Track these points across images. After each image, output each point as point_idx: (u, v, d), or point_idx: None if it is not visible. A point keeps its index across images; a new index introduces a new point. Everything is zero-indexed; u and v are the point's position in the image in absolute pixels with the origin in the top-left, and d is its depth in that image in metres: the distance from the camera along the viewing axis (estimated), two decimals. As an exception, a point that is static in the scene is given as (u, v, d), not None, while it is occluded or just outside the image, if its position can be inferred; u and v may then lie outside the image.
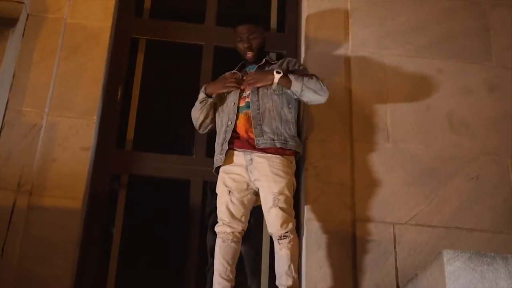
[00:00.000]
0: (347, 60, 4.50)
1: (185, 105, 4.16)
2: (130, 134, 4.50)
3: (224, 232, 3.61)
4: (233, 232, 3.61)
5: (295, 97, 3.82)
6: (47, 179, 3.93)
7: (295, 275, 3.54)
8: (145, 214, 4.38)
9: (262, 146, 3.69)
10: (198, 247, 4.17)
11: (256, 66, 3.98)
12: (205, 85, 3.94)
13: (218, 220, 3.66)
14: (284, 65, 3.98)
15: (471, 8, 4.78)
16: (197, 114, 3.92)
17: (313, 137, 4.24)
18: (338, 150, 4.21)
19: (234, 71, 4.03)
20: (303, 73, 3.89)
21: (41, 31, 4.31)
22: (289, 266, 3.52)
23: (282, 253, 3.54)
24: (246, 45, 3.97)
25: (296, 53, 4.68)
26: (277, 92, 3.83)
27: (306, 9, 4.68)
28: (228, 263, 3.55)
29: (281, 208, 3.59)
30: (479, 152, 4.31)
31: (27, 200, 3.84)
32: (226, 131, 3.78)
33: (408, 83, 4.48)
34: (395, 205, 4.09)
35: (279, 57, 4.70)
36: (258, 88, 3.81)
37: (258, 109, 3.78)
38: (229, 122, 3.79)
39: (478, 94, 4.51)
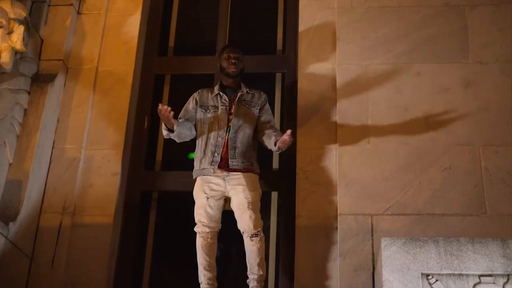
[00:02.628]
0: (333, 74, 5.15)
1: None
2: (159, 156, 5.41)
3: (204, 232, 4.43)
4: (211, 232, 4.43)
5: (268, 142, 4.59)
6: (86, 202, 4.92)
7: (264, 266, 4.30)
8: (174, 225, 5.23)
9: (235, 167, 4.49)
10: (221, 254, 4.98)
11: (242, 91, 4.71)
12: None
13: (196, 221, 4.47)
14: (256, 99, 4.71)
15: (451, 12, 5.26)
16: (178, 140, 4.70)
17: (303, 145, 4.97)
18: (325, 155, 4.91)
19: (220, 93, 4.73)
20: (269, 113, 4.72)
21: (78, 81, 5.31)
22: (261, 258, 4.31)
23: (254, 248, 4.32)
24: (233, 61, 4.73)
25: (294, 72, 5.36)
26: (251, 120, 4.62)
27: (301, 32, 5.38)
28: (209, 256, 4.38)
29: (254, 212, 4.36)
30: (453, 144, 4.82)
31: (70, 219, 4.84)
32: (216, 147, 4.55)
33: (388, 88, 5.06)
34: (373, 199, 4.71)
35: (283, 77, 5.46)
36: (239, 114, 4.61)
37: (235, 135, 4.55)
38: (219, 139, 4.56)
39: (454, 91, 5.00)
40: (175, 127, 4.57)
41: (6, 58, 4.86)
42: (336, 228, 4.67)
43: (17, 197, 4.64)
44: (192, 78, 5.63)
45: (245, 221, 4.38)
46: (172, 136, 4.62)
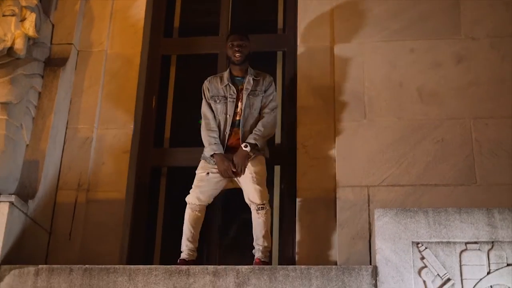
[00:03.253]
0: (331, 52, 5.39)
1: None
2: (167, 134, 5.70)
3: (194, 204, 4.73)
4: (200, 205, 4.73)
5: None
6: (99, 178, 5.22)
7: (269, 238, 4.61)
8: (182, 198, 5.53)
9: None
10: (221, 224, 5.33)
11: (248, 80, 4.93)
12: (216, 154, 4.74)
13: (190, 191, 4.77)
14: (260, 86, 4.91)
15: (444, -11, 5.48)
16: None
17: (303, 121, 5.23)
18: (324, 131, 5.17)
19: (229, 84, 4.93)
20: (269, 99, 4.89)
21: (88, 63, 5.57)
22: (266, 231, 4.60)
23: (260, 220, 4.61)
24: (236, 49, 4.94)
25: (294, 51, 5.59)
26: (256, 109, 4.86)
27: (300, 12, 5.61)
28: (194, 228, 4.69)
29: (260, 185, 4.65)
30: (445, 118, 5.08)
31: (85, 195, 5.15)
32: (223, 137, 4.81)
33: (384, 65, 5.30)
34: (369, 171, 4.99)
35: (284, 56, 5.71)
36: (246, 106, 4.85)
37: (244, 127, 4.81)
38: (225, 132, 4.82)
39: (446, 66, 5.24)
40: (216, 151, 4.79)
41: (20, 44, 5.12)
42: (335, 199, 4.95)
43: (35, 176, 4.94)
44: (197, 57, 5.88)
45: (251, 194, 4.66)
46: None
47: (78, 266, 4.32)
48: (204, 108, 4.98)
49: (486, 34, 5.28)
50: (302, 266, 4.19)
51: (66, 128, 5.36)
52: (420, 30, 5.36)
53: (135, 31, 5.68)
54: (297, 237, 4.93)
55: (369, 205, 4.90)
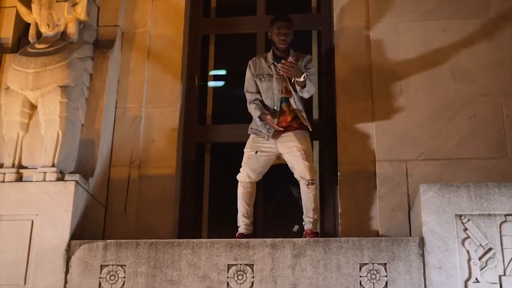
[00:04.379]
0: (366, 31, 5.65)
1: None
2: (209, 111, 5.98)
3: (245, 182, 5.05)
4: (251, 182, 5.05)
5: (298, 87, 5.04)
6: (150, 155, 5.50)
7: (318, 211, 4.95)
8: (226, 173, 5.84)
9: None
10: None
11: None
12: (261, 115, 5.06)
13: (240, 170, 5.07)
14: (300, 63, 5.16)
15: (473, -31, 5.72)
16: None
17: (341, 99, 5.51)
18: (362, 107, 5.46)
19: (274, 63, 5.19)
20: (309, 73, 5.13)
21: (133, 44, 5.81)
22: (316, 204, 4.93)
23: (310, 195, 4.93)
24: (282, 38, 5.20)
25: (330, 30, 5.85)
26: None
27: (336, -9, 5.86)
28: (248, 205, 5.03)
29: (308, 162, 4.96)
30: (477, 95, 5.37)
31: (137, 172, 5.44)
32: (272, 114, 5.06)
33: (417, 43, 5.56)
34: (406, 146, 5.29)
35: (319, 35, 5.97)
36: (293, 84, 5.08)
37: (296, 105, 5.09)
38: (275, 108, 5.09)
39: (477, 45, 5.51)
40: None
41: (72, 29, 5.36)
42: (375, 173, 5.27)
43: (91, 155, 5.23)
44: (235, 37, 6.14)
45: (301, 169, 4.96)
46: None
47: (144, 240, 4.65)
48: (248, 84, 5.25)
49: (515, 12, 5.56)
50: (354, 238, 4.52)
51: (116, 107, 5.62)
52: (451, 10, 5.60)
53: (177, 12, 5.90)
54: (340, 209, 5.26)
55: (407, 179, 5.22)
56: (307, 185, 4.96)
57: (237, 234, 5.03)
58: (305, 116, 5.12)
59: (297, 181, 5.05)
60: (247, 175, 5.08)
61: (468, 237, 4.40)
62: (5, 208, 4.75)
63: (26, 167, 4.99)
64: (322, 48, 5.92)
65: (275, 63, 5.21)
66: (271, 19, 5.42)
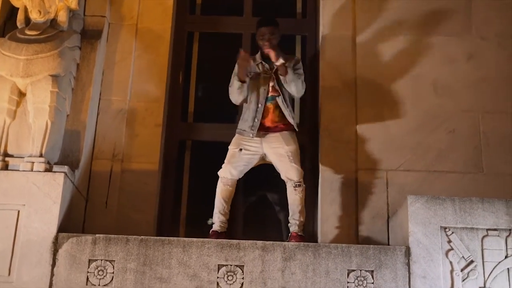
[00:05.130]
0: (353, 40, 5.76)
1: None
2: (191, 108, 5.98)
3: (225, 178, 5.09)
4: (231, 179, 5.10)
5: (284, 82, 5.12)
6: (133, 150, 5.47)
7: (304, 213, 5.04)
8: (205, 171, 5.86)
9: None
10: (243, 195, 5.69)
11: (279, 62, 5.20)
12: (236, 75, 5.15)
13: (222, 166, 5.11)
14: (288, 63, 5.21)
15: (456, -12, 5.91)
16: (236, 97, 5.23)
17: (326, 106, 5.60)
18: (346, 115, 5.56)
19: (262, 62, 5.29)
20: (298, 73, 5.22)
21: (120, 36, 5.75)
22: (302, 206, 5.02)
23: (297, 197, 5.02)
24: (266, 43, 5.25)
25: (315, 36, 5.94)
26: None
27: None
28: (225, 202, 5.07)
29: (295, 163, 5.05)
30: (457, 110, 5.55)
31: (120, 165, 5.40)
32: (256, 113, 5.14)
33: (402, 56, 5.70)
34: (388, 156, 5.44)
35: (304, 40, 6.05)
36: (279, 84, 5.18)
37: (283, 104, 5.17)
38: (259, 105, 5.16)
39: (458, 62, 5.68)
40: (246, 79, 5.12)
41: (63, 17, 5.28)
42: (356, 180, 5.39)
43: (76, 146, 5.16)
44: (220, 36, 6.15)
45: (289, 172, 5.05)
46: (243, 87, 5.13)
47: (134, 237, 4.62)
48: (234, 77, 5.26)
49: (495, 34, 5.74)
50: (343, 245, 4.63)
51: (100, 99, 5.56)
52: (436, 26, 5.77)
53: (165, 8, 5.87)
54: (320, 214, 5.36)
55: (387, 188, 5.36)
56: (294, 187, 5.04)
57: (210, 231, 5.07)
58: (293, 116, 5.20)
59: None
60: (228, 171, 5.12)
61: (452, 249, 4.57)
62: (-11, 197, 4.65)
63: (12, 156, 4.88)
64: (307, 54, 6.00)
65: (263, 62, 5.28)
66: (256, 21, 5.49)
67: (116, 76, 5.64)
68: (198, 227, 5.70)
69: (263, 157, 5.21)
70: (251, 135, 5.12)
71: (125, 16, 5.82)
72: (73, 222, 5.01)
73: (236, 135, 5.24)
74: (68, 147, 5.15)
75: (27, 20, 5.28)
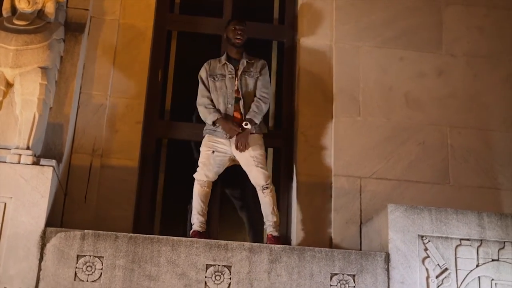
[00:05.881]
0: (330, 50, 5.94)
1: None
2: (168, 106, 6.02)
3: (202, 180, 5.20)
4: (208, 181, 5.21)
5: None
6: (113, 145, 5.48)
7: (277, 214, 5.18)
8: (181, 169, 5.91)
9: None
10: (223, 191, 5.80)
11: (243, 63, 5.42)
12: (218, 118, 5.26)
13: (197, 169, 5.22)
14: (254, 68, 5.42)
15: (429, 6, 6.15)
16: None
17: (303, 112, 5.77)
18: (322, 122, 5.75)
19: (226, 63, 5.43)
20: (263, 81, 5.42)
21: (101, 31, 5.73)
22: (273, 207, 5.16)
23: (266, 199, 5.16)
24: (238, 32, 5.45)
25: (293, 43, 6.09)
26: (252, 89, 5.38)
27: (302, 8, 6.08)
28: (203, 203, 5.17)
29: (262, 167, 5.18)
30: (426, 123, 5.82)
31: (99, 161, 5.40)
32: (226, 111, 5.27)
33: (377, 68, 5.93)
34: (361, 164, 5.65)
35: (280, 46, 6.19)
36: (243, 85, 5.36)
37: (244, 105, 5.30)
38: (229, 105, 5.29)
39: (429, 77, 5.96)
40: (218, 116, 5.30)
41: (50, 8, 5.22)
42: (331, 186, 5.58)
43: (59, 140, 5.13)
44: (199, 36, 6.21)
45: (254, 176, 5.19)
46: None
47: (123, 233, 4.65)
48: (201, 88, 5.43)
49: (463, 53, 6.05)
50: (327, 249, 4.81)
51: (80, 92, 5.52)
52: (409, 41, 6.03)
53: (147, 5, 5.89)
54: (295, 217, 5.52)
55: (360, 195, 5.58)
56: (262, 190, 5.18)
57: (191, 232, 5.14)
58: (257, 118, 5.29)
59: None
60: (204, 174, 5.21)
61: (428, 256, 4.81)
62: (-25, 187, 4.57)
63: (-3, 146, 4.82)
64: (284, 59, 6.13)
65: (227, 63, 5.44)
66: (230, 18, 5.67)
67: (98, 70, 5.63)
68: (173, 224, 5.75)
69: (233, 159, 5.32)
70: (222, 134, 5.24)
71: (107, 11, 5.81)
72: (52, 216, 4.97)
73: (206, 136, 5.33)
74: (51, 140, 5.11)
75: (13, 9, 5.19)
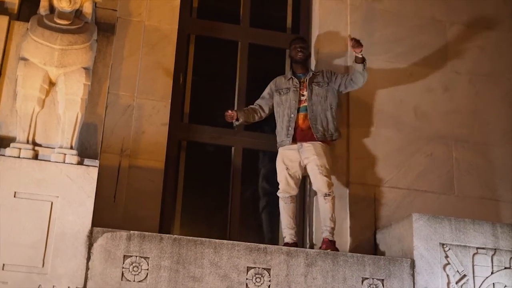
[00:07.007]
0: (346, 61, 6.19)
1: (228, 87, 5.93)
2: (187, 109, 6.13)
3: (284, 197, 5.47)
4: (290, 196, 5.47)
5: (356, 73, 5.62)
6: (140, 146, 5.55)
7: (335, 220, 5.42)
8: (201, 172, 6.04)
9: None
10: (240, 193, 5.96)
11: (309, 74, 5.72)
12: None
13: (279, 187, 5.50)
14: (322, 77, 5.72)
15: (435, 25, 6.52)
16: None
17: (321, 121, 5.99)
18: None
19: (292, 77, 5.74)
20: (339, 75, 5.76)
21: (128, 31, 5.79)
22: (332, 214, 5.42)
23: (326, 206, 5.41)
24: (299, 50, 5.78)
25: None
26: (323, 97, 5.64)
27: (317, 21, 6.32)
28: (290, 217, 5.46)
29: (326, 176, 5.42)
30: (433, 136, 6.17)
31: (128, 161, 5.47)
32: (289, 122, 5.54)
33: (389, 82, 6.23)
34: (375, 173, 5.93)
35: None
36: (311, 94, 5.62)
37: (313, 112, 5.56)
38: (292, 115, 5.55)
39: (436, 93, 6.31)
40: (240, 120, 5.65)
41: (88, 8, 5.26)
42: (347, 193, 5.83)
43: (94, 139, 5.17)
44: (217, 41, 6.35)
45: (318, 183, 5.44)
46: (238, 123, 5.72)
47: (168, 235, 4.78)
48: (264, 93, 5.82)
49: (466, 70, 6.43)
50: (358, 254, 5.06)
51: (108, 92, 5.56)
52: (417, 57, 6.36)
53: (172, 8, 5.99)
54: (315, 222, 5.74)
55: (374, 202, 5.86)
56: (324, 196, 5.43)
57: (284, 244, 5.41)
58: (323, 126, 5.56)
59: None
60: (287, 192, 5.50)
61: (449, 263, 5.14)
62: (22, 185, 4.58)
63: (40, 145, 4.83)
64: (299, 70, 6.34)
65: (292, 77, 5.73)
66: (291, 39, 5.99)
67: (124, 71, 5.70)
68: (193, 225, 5.89)
69: (303, 167, 5.55)
70: (288, 142, 5.52)
71: (133, 12, 5.89)
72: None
73: (279, 149, 5.60)
74: (86, 139, 5.15)
75: (50, 7, 5.19)
